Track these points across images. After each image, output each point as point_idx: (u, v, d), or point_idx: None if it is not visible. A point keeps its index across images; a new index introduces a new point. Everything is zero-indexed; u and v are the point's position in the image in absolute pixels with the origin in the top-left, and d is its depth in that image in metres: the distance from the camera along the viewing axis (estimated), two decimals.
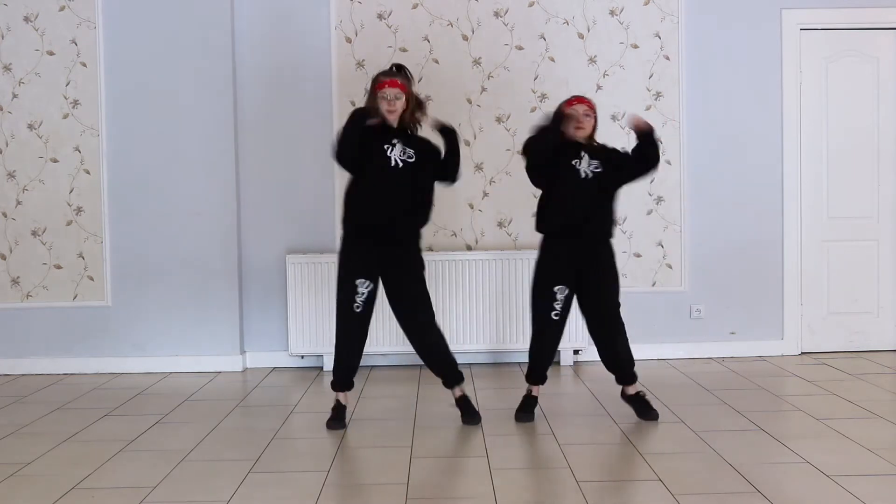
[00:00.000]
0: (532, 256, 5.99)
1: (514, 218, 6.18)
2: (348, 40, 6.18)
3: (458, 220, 6.23)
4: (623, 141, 6.20)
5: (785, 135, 6.27)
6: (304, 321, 6.08)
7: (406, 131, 4.66)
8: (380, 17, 6.18)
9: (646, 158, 4.64)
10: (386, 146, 4.57)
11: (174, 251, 6.11)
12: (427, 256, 4.93)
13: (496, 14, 6.20)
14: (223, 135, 6.10)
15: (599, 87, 6.21)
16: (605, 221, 4.69)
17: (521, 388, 4.88)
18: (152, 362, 6.13)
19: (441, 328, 4.78)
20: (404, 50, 6.17)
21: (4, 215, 6.15)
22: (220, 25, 6.06)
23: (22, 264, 6.15)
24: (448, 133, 4.69)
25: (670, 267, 6.23)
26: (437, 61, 6.20)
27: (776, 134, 6.27)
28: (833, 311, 6.37)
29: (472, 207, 6.18)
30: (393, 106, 4.56)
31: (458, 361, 4.81)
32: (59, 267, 6.15)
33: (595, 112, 4.68)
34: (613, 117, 6.20)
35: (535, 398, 4.82)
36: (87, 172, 6.12)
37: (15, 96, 6.10)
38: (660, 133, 6.20)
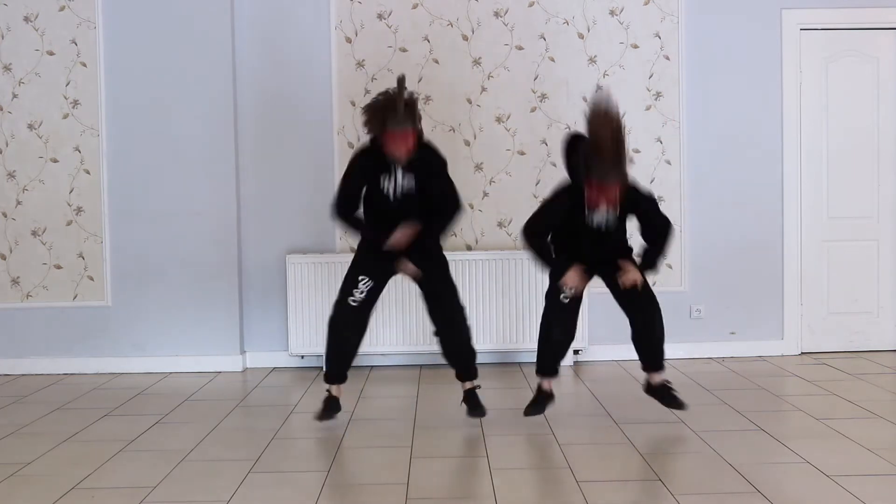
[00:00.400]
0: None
1: (513, 218, 6.18)
2: (348, 40, 6.18)
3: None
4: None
5: (785, 135, 6.27)
6: (304, 321, 6.08)
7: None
8: (380, 17, 6.18)
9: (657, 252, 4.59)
10: (383, 177, 4.50)
11: (174, 251, 6.11)
12: None
13: (496, 14, 6.20)
14: (223, 135, 6.10)
15: (599, 88, 6.21)
16: (619, 248, 4.60)
17: (520, 387, 4.89)
18: (152, 362, 6.13)
19: (468, 321, 4.72)
20: (404, 50, 6.17)
21: (4, 215, 6.15)
22: (220, 26, 6.05)
23: (22, 264, 6.15)
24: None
25: (670, 267, 6.22)
26: (437, 61, 6.20)
27: (776, 134, 6.27)
28: (833, 311, 6.37)
29: (472, 207, 6.18)
30: (402, 153, 4.46)
31: None
32: (59, 267, 6.15)
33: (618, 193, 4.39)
34: None
35: (547, 394, 4.67)
36: (87, 172, 6.12)
37: (15, 96, 6.10)
38: (660, 133, 6.22)
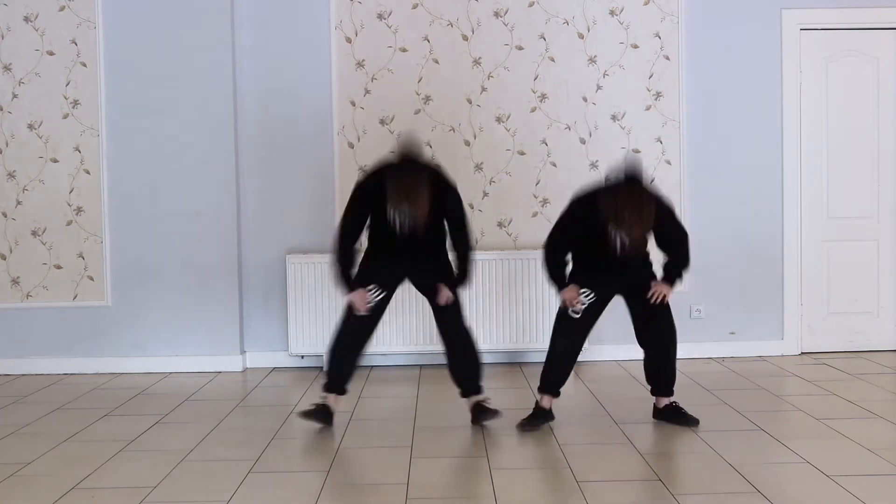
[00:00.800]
0: (532, 256, 6.03)
1: (513, 218, 6.18)
2: (348, 40, 6.18)
3: None
4: (623, 141, 6.22)
5: (785, 135, 6.27)
6: (304, 321, 6.08)
7: None
8: (380, 17, 6.18)
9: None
10: (389, 206, 4.35)
11: (174, 251, 6.11)
12: None
13: (496, 14, 6.20)
14: (223, 135, 6.10)
15: (599, 87, 6.21)
16: (641, 261, 4.57)
17: (519, 387, 4.87)
18: (152, 362, 6.13)
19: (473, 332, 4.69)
20: (404, 50, 6.17)
21: (4, 215, 6.15)
22: (220, 26, 6.05)
23: (22, 264, 6.15)
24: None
25: None
26: (437, 61, 6.20)
27: (776, 134, 6.27)
28: (833, 311, 6.37)
29: (472, 208, 6.18)
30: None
31: None
32: (59, 267, 6.15)
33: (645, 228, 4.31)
34: (613, 117, 6.20)
35: (544, 411, 4.58)
36: (87, 172, 6.12)
37: (15, 96, 6.10)
38: (660, 133, 6.22)
